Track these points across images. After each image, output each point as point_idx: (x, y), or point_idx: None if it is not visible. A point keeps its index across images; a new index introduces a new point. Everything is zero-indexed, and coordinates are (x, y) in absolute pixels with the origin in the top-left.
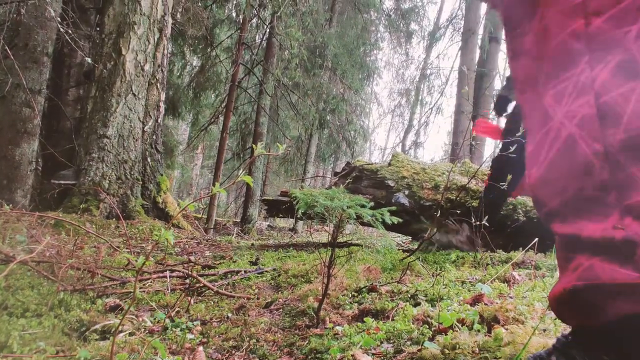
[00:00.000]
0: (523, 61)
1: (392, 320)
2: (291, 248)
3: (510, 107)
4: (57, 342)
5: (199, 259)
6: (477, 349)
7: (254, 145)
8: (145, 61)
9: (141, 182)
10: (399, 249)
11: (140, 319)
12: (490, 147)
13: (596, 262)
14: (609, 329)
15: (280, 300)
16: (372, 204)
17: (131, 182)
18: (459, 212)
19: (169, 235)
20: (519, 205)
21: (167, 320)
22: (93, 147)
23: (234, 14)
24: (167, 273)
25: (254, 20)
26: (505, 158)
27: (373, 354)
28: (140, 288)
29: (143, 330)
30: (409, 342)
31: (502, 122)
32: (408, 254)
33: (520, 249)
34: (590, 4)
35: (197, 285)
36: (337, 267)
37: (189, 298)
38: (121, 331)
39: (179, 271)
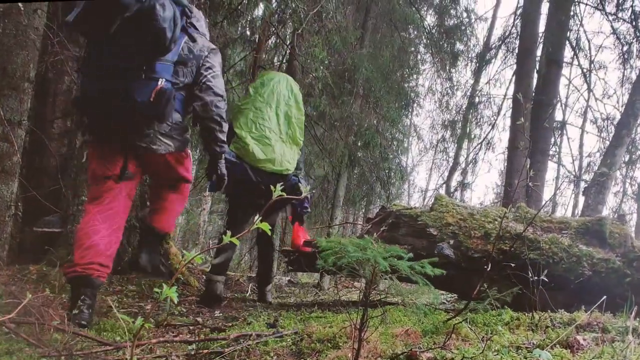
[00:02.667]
0: None
1: None
2: (316, 307)
3: None
4: None
5: (208, 320)
6: None
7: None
8: None
9: (139, 230)
10: (442, 309)
11: None
12: (551, 189)
13: None
14: None
15: None
16: (410, 255)
17: (127, 230)
18: (513, 265)
19: (172, 292)
20: (584, 257)
21: None
22: (82, 188)
23: (248, 33)
24: (170, 337)
25: (272, 39)
26: None
27: None
28: (137, 355)
29: None
30: None
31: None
32: (453, 315)
33: (583, 308)
34: None
35: (206, 351)
36: (369, 329)
37: None
38: None
39: (184, 335)
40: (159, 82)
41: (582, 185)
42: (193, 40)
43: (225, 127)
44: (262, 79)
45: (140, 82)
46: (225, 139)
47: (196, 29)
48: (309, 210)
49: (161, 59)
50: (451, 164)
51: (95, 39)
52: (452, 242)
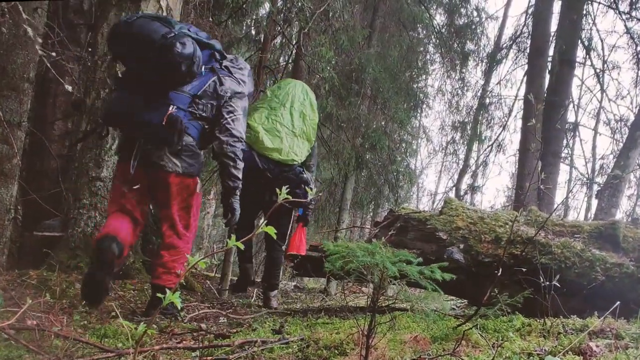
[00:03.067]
0: None
1: None
2: (322, 313)
3: None
4: None
5: (212, 326)
6: None
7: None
8: None
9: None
10: (452, 315)
11: None
12: (563, 192)
13: None
14: None
15: None
16: (419, 259)
17: None
18: (524, 270)
19: (175, 298)
20: (597, 261)
21: None
22: (84, 191)
23: (253, 32)
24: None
25: (278, 39)
26: None
27: None
28: None
29: None
30: None
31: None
32: (463, 321)
33: (596, 314)
34: None
35: (210, 358)
36: (377, 336)
37: None
38: None
39: (187, 341)
40: (170, 108)
41: (595, 188)
42: (220, 81)
43: (240, 164)
44: (280, 83)
45: (154, 106)
46: (239, 176)
47: (230, 73)
48: (313, 204)
49: (178, 90)
50: (461, 167)
51: (128, 65)
52: (462, 246)
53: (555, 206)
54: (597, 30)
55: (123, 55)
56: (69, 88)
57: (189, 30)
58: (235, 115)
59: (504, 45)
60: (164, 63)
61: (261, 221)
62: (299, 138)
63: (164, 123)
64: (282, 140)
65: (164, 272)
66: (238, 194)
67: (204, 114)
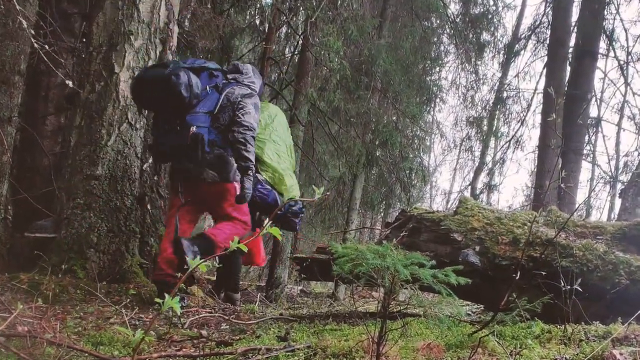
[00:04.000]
0: None
1: None
2: (330, 319)
3: None
4: None
5: (213, 333)
6: None
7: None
8: None
9: (139, 236)
10: (467, 321)
11: None
12: (584, 191)
13: None
14: None
15: None
16: (433, 262)
17: (126, 236)
18: (544, 273)
19: (174, 303)
20: (621, 264)
21: None
22: (78, 190)
23: (257, 22)
24: (172, 351)
25: (283, 29)
26: None
27: None
28: None
29: None
30: None
31: None
32: (479, 327)
33: (620, 320)
34: None
35: None
36: (389, 343)
37: None
38: None
39: (187, 349)
40: (192, 129)
41: (619, 186)
42: (231, 92)
43: (251, 148)
44: (268, 111)
45: (178, 131)
46: (251, 158)
47: (238, 82)
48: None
49: (191, 113)
50: (477, 164)
51: (150, 107)
52: (477, 248)
53: (576, 206)
54: (621, 20)
55: (144, 100)
56: (69, 83)
57: (184, 62)
58: (245, 110)
59: (522, 36)
60: (169, 95)
61: (265, 223)
62: (294, 174)
63: (188, 142)
64: (292, 178)
65: (217, 229)
66: (250, 173)
67: (225, 123)
